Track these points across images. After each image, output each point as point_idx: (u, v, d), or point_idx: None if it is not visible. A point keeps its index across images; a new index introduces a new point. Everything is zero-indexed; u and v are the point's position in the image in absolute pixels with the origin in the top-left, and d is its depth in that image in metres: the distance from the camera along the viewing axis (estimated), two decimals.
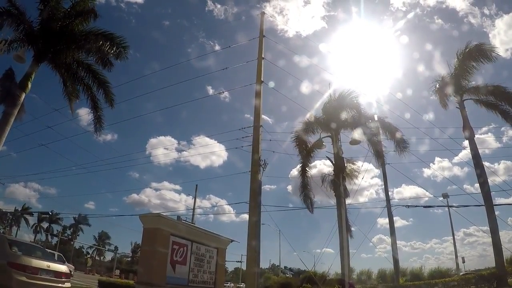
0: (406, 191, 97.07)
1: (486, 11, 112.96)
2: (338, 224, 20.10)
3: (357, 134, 20.73)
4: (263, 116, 53.47)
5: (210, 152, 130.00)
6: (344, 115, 21.16)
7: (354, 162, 24.85)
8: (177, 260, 21.69)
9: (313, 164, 24.50)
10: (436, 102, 23.55)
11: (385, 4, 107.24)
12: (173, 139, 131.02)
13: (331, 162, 21.28)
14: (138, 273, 23.99)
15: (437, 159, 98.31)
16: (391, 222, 24.97)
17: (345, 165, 22.12)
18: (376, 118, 21.66)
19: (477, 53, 21.69)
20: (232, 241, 28.52)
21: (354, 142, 20.53)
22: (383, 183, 26.46)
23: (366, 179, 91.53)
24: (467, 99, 22.43)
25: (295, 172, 23.45)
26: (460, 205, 51.15)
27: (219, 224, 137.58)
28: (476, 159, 21.01)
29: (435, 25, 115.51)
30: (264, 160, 23.32)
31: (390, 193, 25.82)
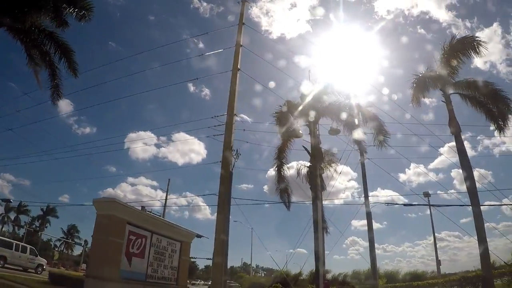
0: (381, 195, 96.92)
1: (468, 24, 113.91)
2: (314, 218, 18.38)
3: (336, 123, 19.26)
4: (242, 115, 51.82)
5: (189, 149, 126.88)
6: (322, 104, 19.54)
7: (333, 153, 23.41)
8: (134, 252, 19.43)
9: (290, 164, 22.86)
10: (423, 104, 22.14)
11: (370, 12, 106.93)
12: (152, 135, 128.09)
13: (308, 152, 19.60)
14: (88, 265, 21.75)
15: (412, 165, 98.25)
16: (369, 219, 23.58)
17: (323, 156, 20.46)
18: (356, 107, 20.09)
19: (465, 45, 20.33)
20: (199, 235, 26.57)
21: (333, 131, 18.97)
22: (359, 186, 25.58)
23: (343, 181, 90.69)
24: (453, 93, 21.08)
25: (272, 172, 21.90)
26: (442, 205, 50.33)
27: (193, 222, 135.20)
28: (462, 156, 19.59)
29: (418, 34, 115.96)
30: (237, 150, 21.61)
31: (370, 205, 24.40)
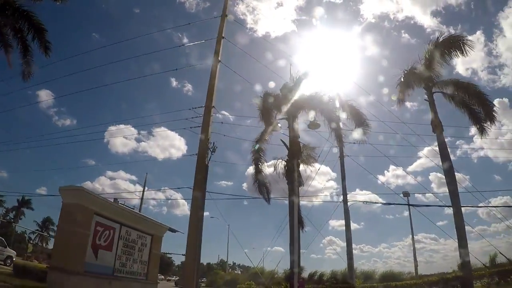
0: (360, 194, 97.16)
1: (452, 31, 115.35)
2: (289, 214, 17.77)
3: (317, 117, 18.69)
4: (224, 112, 51.15)
5: (170, 144, 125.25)
6: (302, 97, 18.93)
7: (311, 148, 22.77)
8: (101, 244, 18.49)
9: (270, 162, 22.24)
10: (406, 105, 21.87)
11: (355, 14, 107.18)
12: (133, 129, 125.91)
13: (286, 146, 18.98)
14: (52, 256, 20.75)
15: (391, 167, 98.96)
16: (347, 216, 23.20)
17: (301, 150, 19.85)
18: (337, 100, 19.57)
19: (451, 43, 20.00)
20: (172, 229, 25.71)
21: (312, 125, 18.41)
22: (338, 186, 25.27)
23: (322, 181, 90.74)
24: (436, 92, 20.78)
25: (251, 170, 21.24)
26: (421, 205, 50.36)
27: (171, 217, 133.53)
28: (444, 155, 19.27)
29: (402, 38, 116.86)
30: (213, 143, 20.89)
31: (349, 203, 24.02)
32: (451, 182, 18.85)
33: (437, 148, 20.23)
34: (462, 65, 72.40)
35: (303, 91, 19.34)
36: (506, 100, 77.70)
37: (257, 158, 20.72)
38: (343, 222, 25.11)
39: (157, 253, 23.34)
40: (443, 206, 24.32)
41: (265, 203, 22.28)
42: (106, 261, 18.94)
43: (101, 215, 18.35)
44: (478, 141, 76.81)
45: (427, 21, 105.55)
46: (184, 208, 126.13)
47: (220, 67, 20.62)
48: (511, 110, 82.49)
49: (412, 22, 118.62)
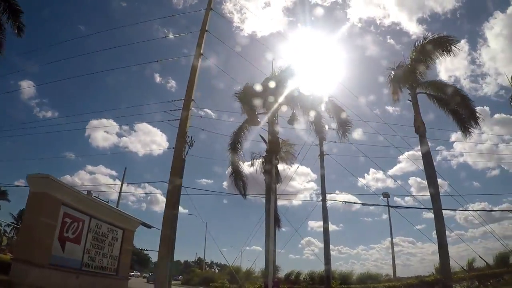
0: (340, 194, 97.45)
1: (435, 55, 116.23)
2: (266, 211, 17.32)
3: (298, 113, 18.32)
4: (207, 110, 50.53)
5: (151, 140, 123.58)
6: (283, 92, 18.48)
7: (291, 144, 22.33)
8: (69, 236, 17.72)
9: (249, 162, 21.79)
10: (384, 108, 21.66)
11: (342, 18, 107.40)
12: (114, 123, 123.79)
13: (264, 141, 18.54)
14: (17, 247, 19.93)
15: (372, 170, 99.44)
16: (325, 214, 22.84)
17: (280, 146, 19.41)
18: (318, 97, 19.22)
19: (437, 44, 19.82)
20: (147, 225, 24.99)
21: (292, 119, 18.03)
22: (318, 188, 24.91)
23: (302, 182, 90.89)
24: (420, 93, 20.62)
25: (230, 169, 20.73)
26: (401, 206, 50.37)
27: (151, 214, 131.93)
28: (427, 157, 19.06)
29: (387, 44, 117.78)
30: (191, 137, 20.34)
31: (328, 203, 23.71)
32: (432, 182, 18.65)
33: (417, 153, 20.05)
34: (445, 72, 73.18)
35: (285, 86, 18.92)
36: (487, 108, 78.96)
37: (234, 151, 20.21)
38: (321, 223, 24.79)
39: (129, 248, 22.64)
40: (423, 208, 24.20)
41: (245, 201, 21.84)
42: (74, 254, 18.20)
43: (70, 205, 17.61)
44: (458, 147, 78.08)
45: (413, 28, 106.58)
46: (163, 205, 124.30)
47: (206, 65, 20.12)
48: (491, 119, 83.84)
49: (398, 28, 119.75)
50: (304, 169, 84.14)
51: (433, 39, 20.23)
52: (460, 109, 20.29)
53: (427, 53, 19.95)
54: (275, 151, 18.12)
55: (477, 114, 20.00)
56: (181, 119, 18.68)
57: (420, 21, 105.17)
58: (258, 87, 18.76)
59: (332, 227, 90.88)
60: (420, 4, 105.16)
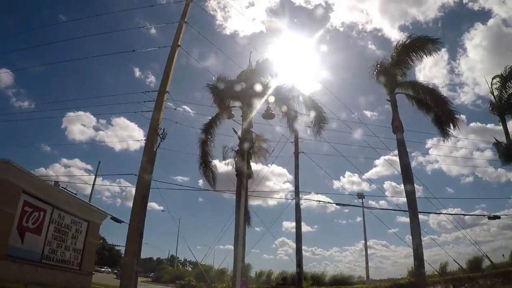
0: (314, 197, 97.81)
1: (417, 55, 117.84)
2: (236, 207, 16.80)
3: (273, 108, 17.85)
4: (185, 107, 49.76)
5: (128, 135, 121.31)
6: (259, 85, 18.02)
7: (265, 139, 21.87)
8: (29, 227, 16.80)
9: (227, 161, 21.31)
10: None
11: (324, 21, 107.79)
12: (92, 116, 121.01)
13: (238, 135, 18.03)
14: None
15: (347, 173, 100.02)
16: (298, 210, 22.45)
17: (253, 141, 18.93)
18: (294, 91, 18.83)
19: (418, 45, 19.57)
20: (116, 219, 24.12)
21: (267, 115, 17.59)
22: (293, 187, 24.59)
23: (277, 183, 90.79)
24: (399, 93, 20.44)
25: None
26: (375, 207, 50.58)
27: (125, 210, 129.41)
28: (403, 158, 18.79)
29: (368, 49, 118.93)
30: (164, 129, 19.67)
31: (301, 202, 23.38)
32: (408, 182, 18.42)
33: (393, 158, 19.84)
34: (424, 79, 74.08)
35: (261, 79, 18.47)
36: (463, 116, 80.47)
37: (205, 141, 19.61)
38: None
39: (94, 241, 21.77)
40: (398, 210, 24.01)
41: (220, 200, 21.38)
42: (34, 246, 17.32)
43: (31, 194, 16.74)
44: (433, 154, 79.18)
45: (395, 35, 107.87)
46: None
47: (190, 63, 19.47)
48: (467, 127, 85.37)
49: (379, 34, 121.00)
50: (280, 169, 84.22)
51: (415, 39, 19.96)
52: (439, 111, 20.11)
53: (408, 52, 19.70)
54: (247, 146, 17.63)
55: (456, 116, 19.86)
56: (154, 109, 18.04)
57: (402, 28, 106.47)
58: (232, 79, 18.24)
59: (306, 228, 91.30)
60: (402, 11, 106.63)
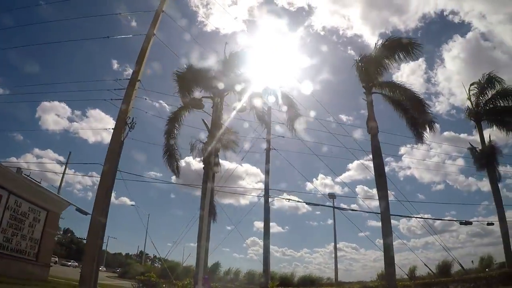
0: (287, 201, 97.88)
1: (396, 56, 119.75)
2: (201, 200, 16.30)
3: (246, 101, 17.43)
4: (162, 102, 48.77)
5: (103, 127, 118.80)
6: (232, 76, 17.56)
7: (235, 132, 21.31)
8: None
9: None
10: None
11: (307, 26, 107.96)
12: (67, 107, 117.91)
13: (207, 127, 17.54)
14: None
15: (320, 175, 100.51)
16: (267, 212, 22.10)
17: (223, 133, 18.41)
18: (271, 87, 18.48)
19: (398, 46, 19.22)
20: (82, 210, 23.17)
21: (240, 109, 17.16)
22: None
23: (250, 182, 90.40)
24: (375, 93, 20.27)
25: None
26: (346, 208, 50.46)
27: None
28: (377, 158, 18.58)
29: (347, 54, 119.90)
30: (133, 119, 19.02)
31: (270, 199, 23.03)
32: (380, 180, 18.28)
33: (366, 162, 19.61)
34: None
35: (234, 71, 18.04)
36: (437, 125, 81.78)
37: (170, 131, 19.04)
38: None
39: (53, 232, 20.90)
40: (370, 212, 24.01)
41: (193, 197, 20.80)
42: None
43: None
44: (406, 160, 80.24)
45: (374, 42, 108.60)
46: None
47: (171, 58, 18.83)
48: (441, 136, 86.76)
49: (359, 40, 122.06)
50: (254, 169, 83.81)
51: (395, 39, 19.89)
52: (416, 112, 19.98)
53: (387, 52, 19.53)
54: (216, 138, 17.12)
55: (432, 119, 19.82)
56: (124, 97, 17.33)
57: (382, 35, 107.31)
58: (203, 68, 17.70)
59: (278, 229, 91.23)
60: (384, 19, 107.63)
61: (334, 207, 30.29)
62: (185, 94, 18.51)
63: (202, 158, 18.42)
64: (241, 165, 23.26)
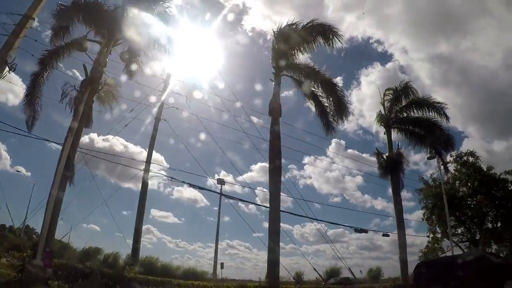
0: (186, 193, 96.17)
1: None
2: (59, 158, 13.53)
3: (140, 56, 15.17)
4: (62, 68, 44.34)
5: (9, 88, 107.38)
6: (126, 23, 14.95)
7: (116, 85, 18.37)
8: None
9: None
10: None
11: (236, 23, 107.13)
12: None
13: (86, 72, 14.79)
14: None
15: (223, 172, 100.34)
16: (145, 182, 19.95)
17: (101, 83, 15.70)
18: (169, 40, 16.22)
19: (318, 30, 17.68)
20: None
21: (125, 58, 14.82)
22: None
23: (153, 169, 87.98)
24: (284, 75, 18.80)
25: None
26: (235, 198, 48.96)
27: None
28: (274, 141, 16.84)
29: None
30: (14, 58, 15.67)
31: (170, 189, 21.06)
32: (274, 161, 16.73)
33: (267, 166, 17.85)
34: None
35: (130, 17, 15.47)
36: (343, 142, 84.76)
37: (39, 73, 16.01)
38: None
39: None
40: (261, 205, 22.83)
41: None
42: None
43: None
44: (308, 170, 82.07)
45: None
46: None
47: None
48: (344, 152, 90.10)
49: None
50: (158, 156, 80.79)
51: (317, 23, 18.05)
52: (328, 98, 18.68)
53: (303, 35, 17.90)
54: (93, 85, 14.49)
55: (347, 105, 18.64)
56: (11, 33, 14.00)
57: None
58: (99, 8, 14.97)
59: (174, 219, 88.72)
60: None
61: (221, 194, 28.65)
62: (55, 31, 15.52)
63: (72, 108, 15.54)
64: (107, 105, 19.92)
